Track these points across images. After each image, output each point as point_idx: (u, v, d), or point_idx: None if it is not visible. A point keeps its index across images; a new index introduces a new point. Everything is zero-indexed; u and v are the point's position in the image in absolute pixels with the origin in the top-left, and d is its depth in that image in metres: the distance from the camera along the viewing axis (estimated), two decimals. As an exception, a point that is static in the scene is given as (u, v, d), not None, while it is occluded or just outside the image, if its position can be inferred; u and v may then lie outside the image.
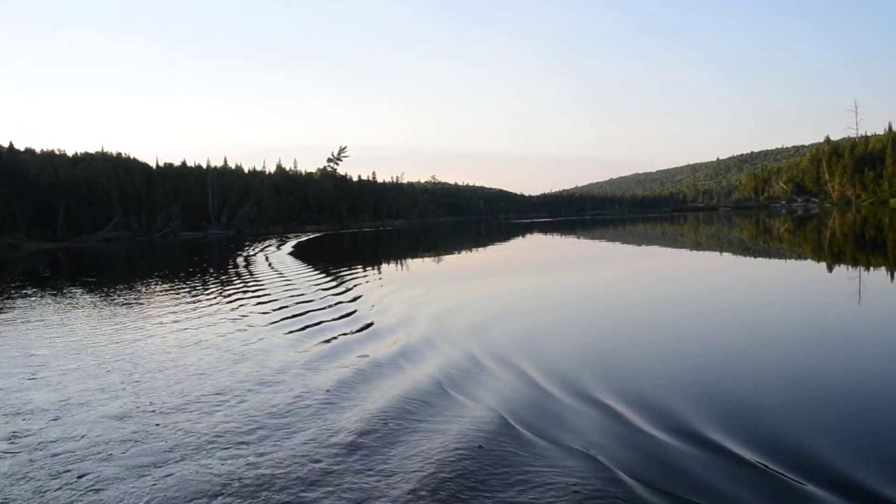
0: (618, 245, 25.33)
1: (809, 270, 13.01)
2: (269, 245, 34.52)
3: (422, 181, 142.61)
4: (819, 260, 14.69)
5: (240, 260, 22.83)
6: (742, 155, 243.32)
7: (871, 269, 12.13)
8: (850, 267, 12.66)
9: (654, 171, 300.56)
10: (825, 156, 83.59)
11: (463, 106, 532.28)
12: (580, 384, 4.71)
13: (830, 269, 12.67)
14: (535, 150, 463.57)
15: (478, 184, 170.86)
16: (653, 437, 3.64)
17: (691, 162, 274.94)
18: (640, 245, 24.77)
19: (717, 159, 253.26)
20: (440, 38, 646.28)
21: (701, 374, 5.06)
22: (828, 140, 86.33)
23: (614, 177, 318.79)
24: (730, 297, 9.60)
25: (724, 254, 18.56)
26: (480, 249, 26.12)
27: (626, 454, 3.41)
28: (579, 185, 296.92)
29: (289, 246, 32.95)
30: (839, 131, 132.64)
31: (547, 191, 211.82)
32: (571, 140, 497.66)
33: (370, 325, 7.76)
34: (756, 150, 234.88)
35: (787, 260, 15.75)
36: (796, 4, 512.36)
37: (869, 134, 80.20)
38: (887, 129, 77.75)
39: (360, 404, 4.50)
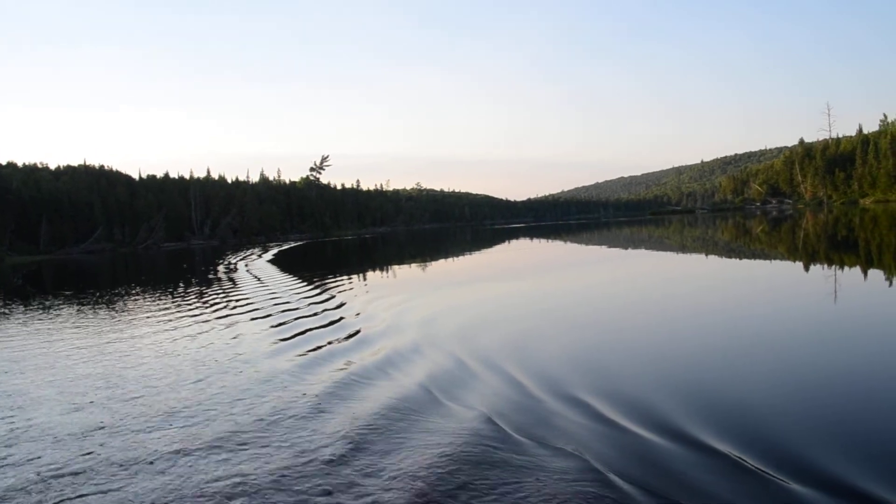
0: (602, 248, 25.57)
1: (790, 271, 13.18)
2: (251, 254, 34.32)
3: (407, 188, 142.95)
4: (796, 260, 14.94)
5: (221, 269, 22.72)
6: (726, 157, 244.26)
7: (847, 268, 12.37)
8: (826, 266, 12.92)
9: (639, 174, 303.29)
10: (798, 157, 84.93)
11: (448, 112, 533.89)
12: (569, 387, 4.76)
13: (807, 268, 12.90)
14: (521, 154, 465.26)
15: (463, 190, 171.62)
16: (642, 438, 3.68)
17: (676, 164, 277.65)
18: (625, 248, 25.02)
19: (702, 161, 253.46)
20: (425, 45, 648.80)
21: (687, 374, 5.13)
22: (801, 142, 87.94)
23: (600, 181, 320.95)
24: (714, 298, 9.73)
25: (708, 255, 18.81)
26: (465, 256, 26.14)
27: (615, 456, 3.44)
28: (565, 189, 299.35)
29: (269, 255, 32.86)
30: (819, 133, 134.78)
31: (533, 196, 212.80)
32: (557, 144, 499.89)
33: (357, 332, 7.77)
34: (740, 151, 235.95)
35: (768, 260, 15.94)
36: (782, 6, 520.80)
37: (845, 135, 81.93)
38: (858, 130, 79.68)
39: (349, 411, 4.51)
